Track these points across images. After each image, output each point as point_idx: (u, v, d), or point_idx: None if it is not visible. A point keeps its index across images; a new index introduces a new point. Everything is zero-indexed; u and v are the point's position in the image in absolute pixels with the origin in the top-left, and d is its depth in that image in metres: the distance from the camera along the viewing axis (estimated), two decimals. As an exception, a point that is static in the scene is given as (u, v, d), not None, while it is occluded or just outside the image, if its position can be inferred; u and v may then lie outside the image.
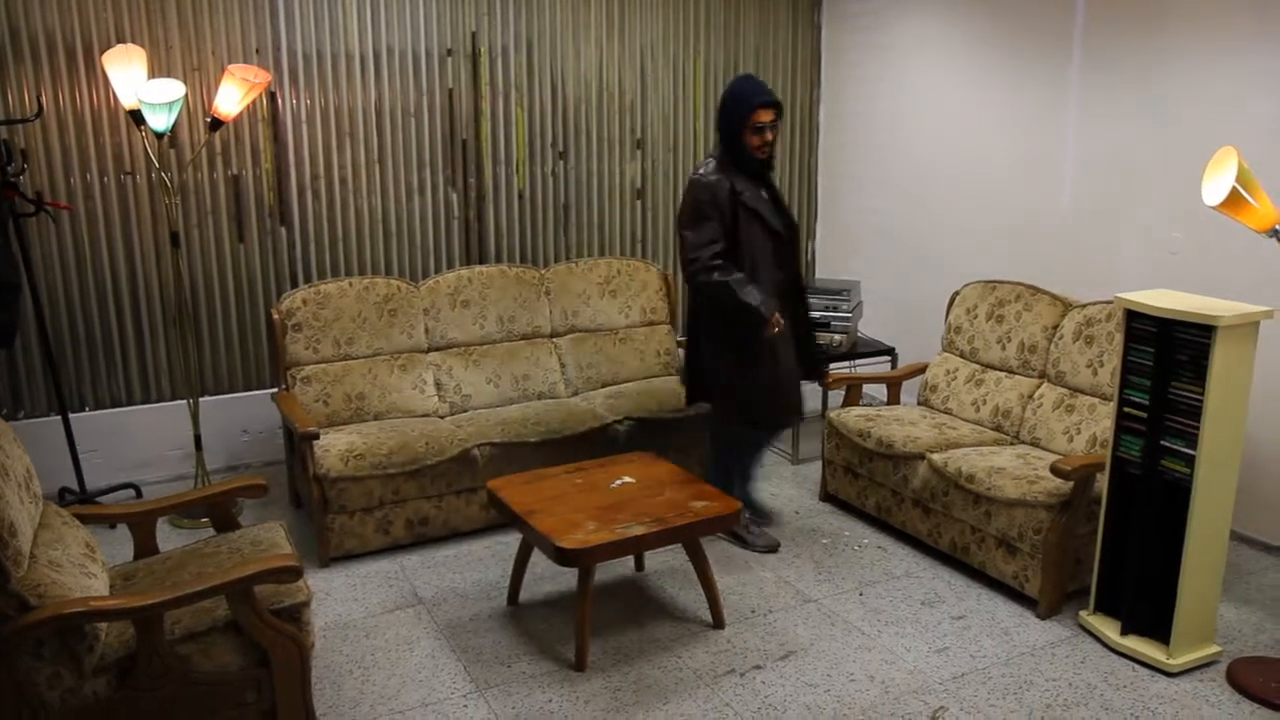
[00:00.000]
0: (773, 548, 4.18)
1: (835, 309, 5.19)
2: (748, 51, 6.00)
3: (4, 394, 4.60)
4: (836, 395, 4.96)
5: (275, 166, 4.93)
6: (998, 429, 4.30)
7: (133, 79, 4.11)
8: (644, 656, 3.40)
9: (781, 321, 3.83)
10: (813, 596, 3.82)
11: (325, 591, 3.84)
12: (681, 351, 5.28)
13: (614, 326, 5.15)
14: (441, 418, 4.56)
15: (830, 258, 6.43)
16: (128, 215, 4.68)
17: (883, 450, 4.22)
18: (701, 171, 3.90)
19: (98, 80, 4.51)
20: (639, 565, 4.02)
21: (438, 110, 5.21)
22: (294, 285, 5.02)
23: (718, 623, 3.59)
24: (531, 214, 5.55)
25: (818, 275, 6.50)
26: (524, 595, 3.78)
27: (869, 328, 5.63)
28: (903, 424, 4.28)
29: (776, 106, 3.84)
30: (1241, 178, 3.01)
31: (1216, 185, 3.07)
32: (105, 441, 4.77)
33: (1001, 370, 4.41)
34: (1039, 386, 4.23)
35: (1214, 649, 3.35)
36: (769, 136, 3.83)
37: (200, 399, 4.65)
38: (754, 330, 3.83)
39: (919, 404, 4.69)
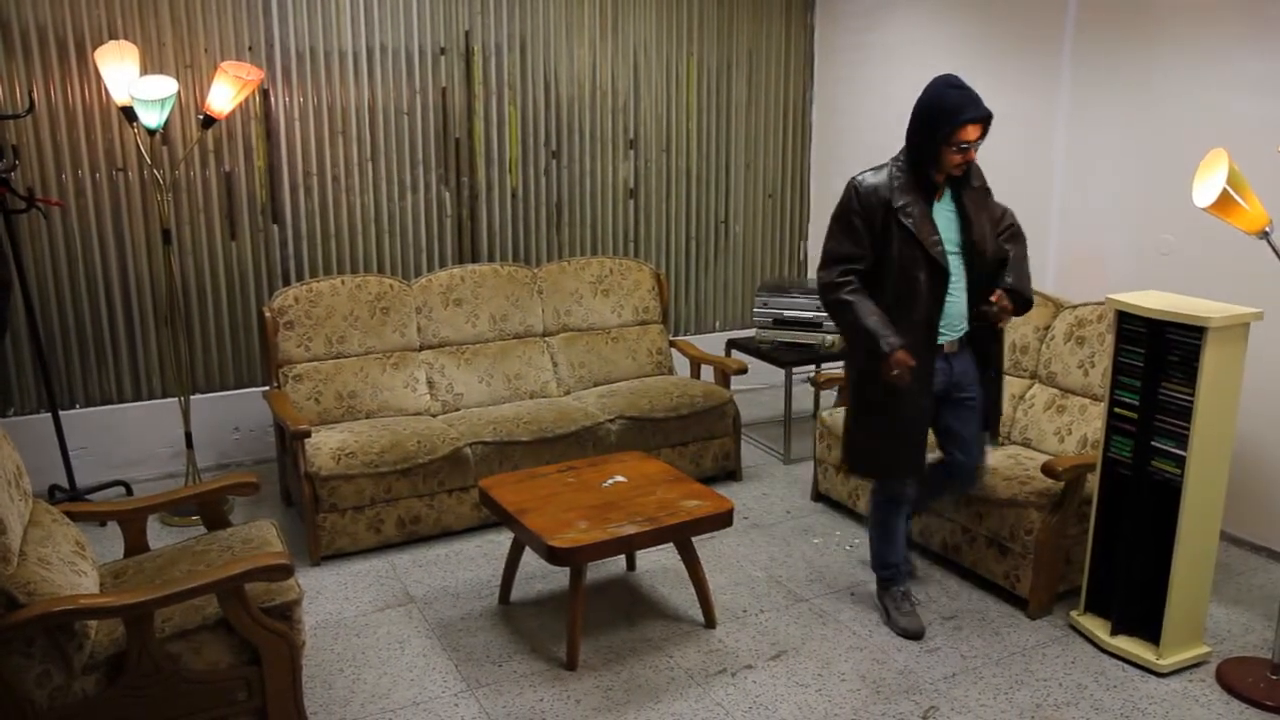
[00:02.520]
0: (914, 633, 3.52)
1: (828, 309, 5.20)
2: (741, 51, 6.01)
3: (-6, 391, 4.59)
4: (829, 395, 4.97)
5: (268, 164, 4.92)
6: (989, 429, 4.30)
7: (125, 75, 4.10)
8: (635, 656, 3.40)
9: (909, 364, 3.20)
10: (804, 596, 3.82)
11: (316, 590, 3.83)
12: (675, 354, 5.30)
13: (606, 326, 5.15)
14: (433, 416, 4.55)
15: (823, 258, 6.43)
16: (119, 212, 4.67)
17: (874, 450, 4.23)
18: (862, 174, 3.33)
19: (90, 76, 4.49)
20: (630, 564, 4.02)
21: (431, 109, 5.21)
22: (286, 283, 5.02)
23: (709, 622, 3.59)
24: (524, 213, 5.55)
25: (810, 275, 6.51)
26: (515, 594, 3.78)
27: (861, 328, 5.63)
28: (894, 424, 4.29)
29: (987, 121, 3.21)
30: (1232, 180, 3.02)
31: (1207, 187, 3.08)
32: (95, 439, 4.76)
33: (993, 371, 4.42)
34: (1030, 387, 4.24)
35: (1203, 649, 3.36)
36: (972, 155, 3.25)
37: (191, 396, 4.63)
38: (874, 367, 3.28)
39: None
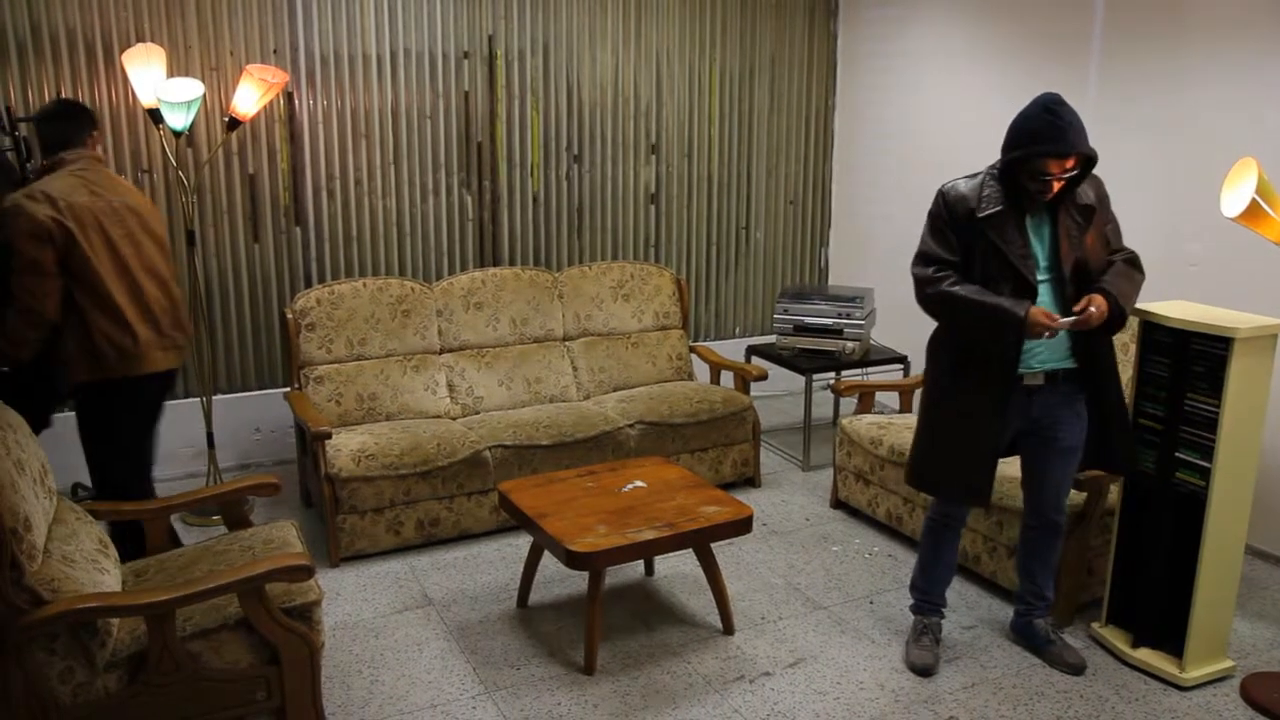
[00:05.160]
0: (920, 669, 3.35)
1: (848, 316, 5.18)
2: (764, 58, 6.00)
3: (19, 389, 4.62)
4: (849, 403, 4.95)
5: (291, 166, 4.95)
6: (1011, 439, 4.27)
7: (152, 78, 4.13)
8: (653, 661, 3.40)
9: (1055, 320, 2.96)
10: (823, 604, 3.80)
11: (335, 591, 3.84)
12: (694, 357, 5.29)
13: (626, 331, 5.15)
14: (453, 419, 4.56)
15: (844, 265, 6.42)
16: (144, 213, 4.70)
17: (894, 458, 4.21)
18: (953, 182, 3.16)
19: (117, 79, 4.53)
20: (649, 570, 4.01)
21: (453, 112, 5.22)
22: (308, 285, 5.04)
23: (727, 628, 3.58)
24: (545, 217, 5.56)
25: (830, 283, 6.50)
26: (534, 598, 3.78)
27: (882, 336, 5.62)
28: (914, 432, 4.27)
29: (1077, 156, 2.94)
30: (1261, 189, 3.00)
31: (1236, 196, 3.05)
32: (118, 438, 4.78)
33: (1015, 380, 4.39)
34: (1053, 396, 4.20)
35: (1227, 663, 3.32)
36: (1055, 187, 2.97)
37: (213, 397, 4.66)
38: (958, 368, 3.17)
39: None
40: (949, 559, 3.43)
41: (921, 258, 3.20)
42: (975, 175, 3.14)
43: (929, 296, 3.15)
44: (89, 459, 3.51)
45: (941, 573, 3.44)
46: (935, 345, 3.32)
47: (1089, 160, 2.98)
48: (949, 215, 3.12)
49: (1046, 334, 2.99)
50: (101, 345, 3.32)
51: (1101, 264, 3.11)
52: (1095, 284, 3.06)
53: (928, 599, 3.48)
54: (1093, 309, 2.97)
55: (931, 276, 3.14)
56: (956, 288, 3.08)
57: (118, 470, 3.50)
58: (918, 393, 4.79)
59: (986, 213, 3.04)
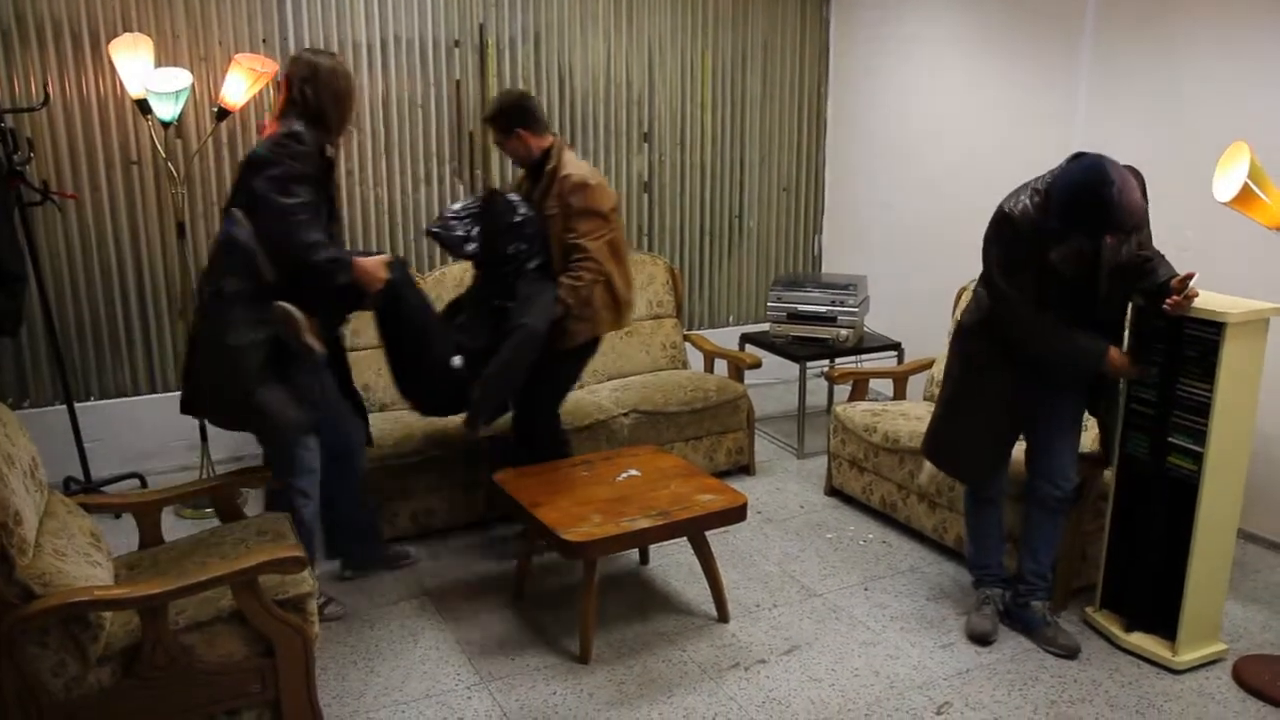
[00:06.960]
0: (976, 637, 3.46)
1: (842, 303, 5.18)
2: (756, 45, 5.98)
3: (10, 383, 4.61)
4: (843, 390, 4.95)
5: (282, 157, 4.92)
6: (1004, 425, 4.27)
7: (140, 68, 4.11)
8: (648, 650, 3.40)
9: (1126, 357, 3.20)
10: (817, 591, 3.81)
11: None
12: (689, 346, 5.29)
13: (620, 319, 5.13)
14: (447, 409, 4.55)
15: (837, 252, 6.41)
16: (134, 205, 4.68)
17: (889, 445, 4.22)
18: (1009, 204, 3.15)
19: (104, 69, 4.50)
20: (644, 558, 4.01)
21: (445, 101, 5.20)
22: (300, 276, 5.01)
23: (722, 616, 3.58)
24: (538, 206, 5.54)
25: (824, 270, 6.49)
26: (528, 588, 3.78)
27: (876, 323, 5.62)
28: (909, 419, 4.27)
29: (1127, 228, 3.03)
30: (1254, 173, 2.99)
31: (1228, 181, 3.05)
32: (110, 431, 4.77)
33: (1008, 366, 4.39)
34: (1046, 382, 4.21)
35: (1220, 647, 3.34)
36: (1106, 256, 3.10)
37: (206, 389, 4.63)
38: (988, 364, 3.30)
39: (925, 399, 4.68)
40: (992, 528, 3.53)
41: (1004, 277, 3.17)
42: (1020, 193, 3.15)
43: (1016, 316, 3.18)
44: (548, 410, 3.96)
45: (986, 542, 3.54)
46: (968, 334, 3.41)
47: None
48: (1014, 234, 3.12)
49: (1134, 371, 3.22)
50: (618, 302, 3.83)
51: (1133, 267, 3.16)
52: (1165, 271, 3.13)
53: (984, 570, 3.57)
54: (1188, 295, 3.04)
55: (1014, 295, 3.15)
56: (1042, 316, 3.15)
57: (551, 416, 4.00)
58: (912, 379, 4.81)
59: (1049, 239, 3.08)
